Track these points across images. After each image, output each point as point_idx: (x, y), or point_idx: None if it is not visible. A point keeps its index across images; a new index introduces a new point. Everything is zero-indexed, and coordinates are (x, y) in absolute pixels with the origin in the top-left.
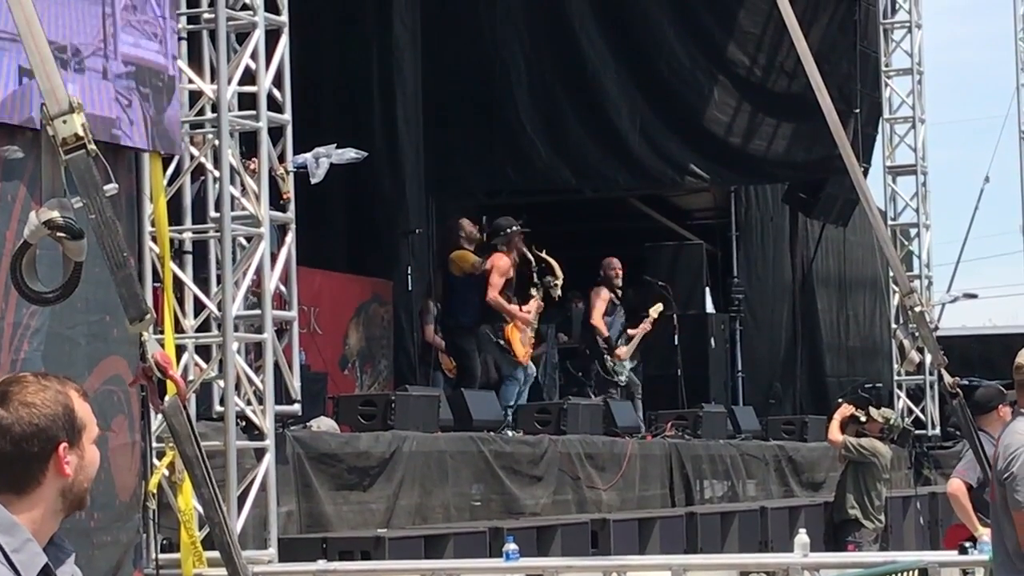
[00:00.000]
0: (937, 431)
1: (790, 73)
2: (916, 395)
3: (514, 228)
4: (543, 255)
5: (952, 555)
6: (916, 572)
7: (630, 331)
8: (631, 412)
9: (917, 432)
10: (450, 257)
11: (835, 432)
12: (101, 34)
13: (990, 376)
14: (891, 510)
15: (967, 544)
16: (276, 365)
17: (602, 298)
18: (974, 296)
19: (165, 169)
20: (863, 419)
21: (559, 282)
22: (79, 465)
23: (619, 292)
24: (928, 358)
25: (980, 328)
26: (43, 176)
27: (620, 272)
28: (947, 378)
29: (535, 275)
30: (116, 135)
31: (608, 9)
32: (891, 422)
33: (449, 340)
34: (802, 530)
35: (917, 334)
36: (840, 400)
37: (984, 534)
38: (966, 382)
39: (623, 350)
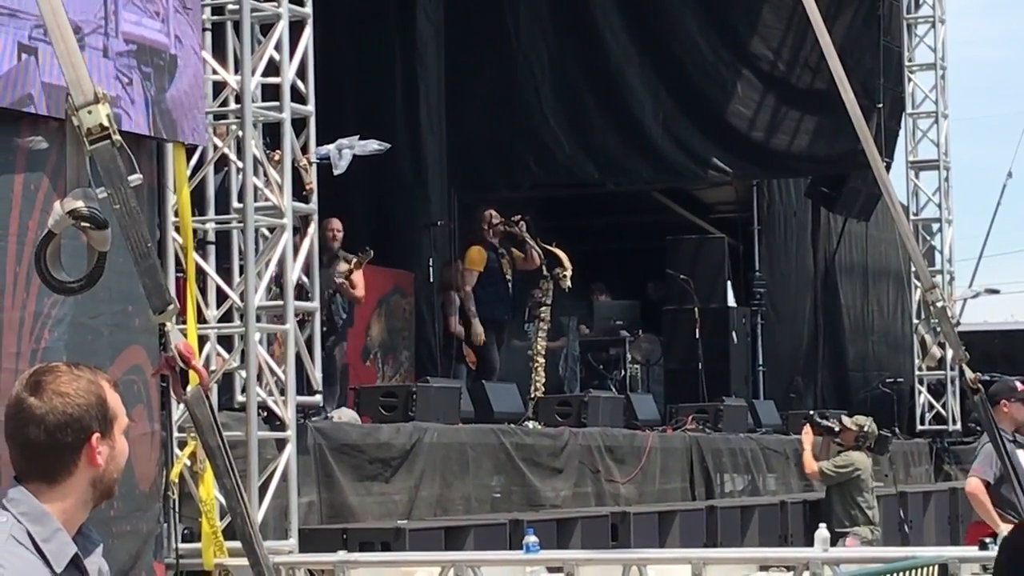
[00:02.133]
0: (958, 427)
1: (813, 68)
2: (937, 391)
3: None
4: (550, 247)
5: (972, 551)
6: (936, 568)
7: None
8: (651, 405)
9: (938, 428)
10: (466, 253)
11: (809, 463)
12: (103, 12)
13: (1011, 371)
14: (911, 505)
15: (988, 540)
16: (298, 356)
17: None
18: (996, 291)
19: (188, 160)
20: (837, 429)
21: (568, 273)
22: (110, 455)
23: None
24: (950, 353)
25: (1002, 323)
26: (67, 166)
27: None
28: (968, 374)
29: (543, 268)
30: (116, 114)
31: (631, 3)
32: (865, 428)
33: (470, 332)
34: (822, 525)
35: (939, 329)
36: (803, 422)
37: (1005, 530)
38: (987, 378)
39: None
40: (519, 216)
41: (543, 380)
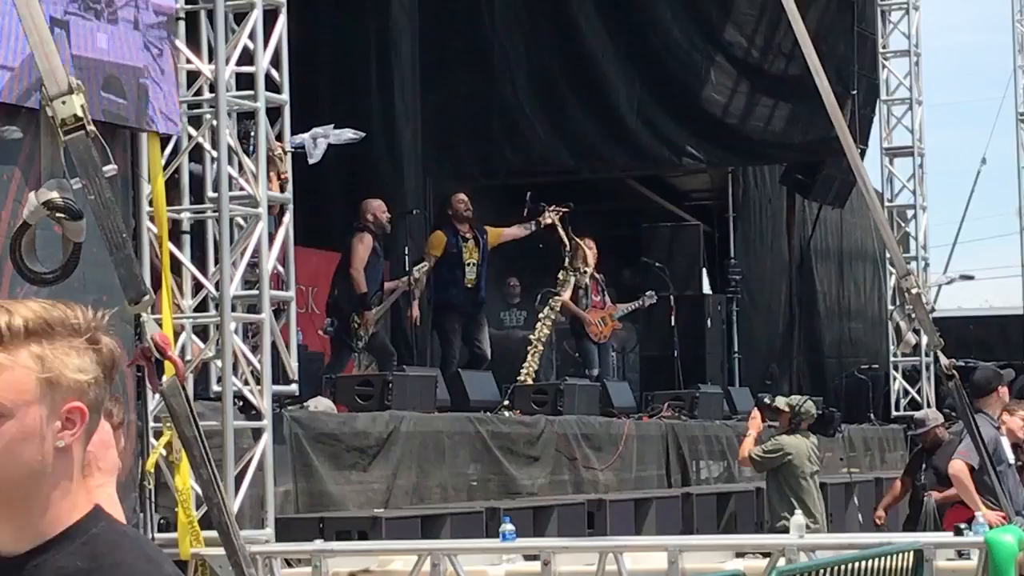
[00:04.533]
0: None
1: (787, 54)
2: (912, 377)
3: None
4: (581, 241)
5: (948, 537)
6: (911, 554)
7: (388, 285)
8: (627, 393)
9: (913, 414)
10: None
11: (742, 449)
12: None
13: (986, 357)
14: (885, 490)
15: (963, 526)
16: (274, 345)
17: (365, 245)
18: (970, 277)
19: (163, 149)
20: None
21: (590, 270)
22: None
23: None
24: (924, 340)
25: (976, 309)
26: (42, 157)
27: (386, 215)
28: (943, 360)
29: (567, 259)
30: (144, 84)
31: None
32: (796, 407)
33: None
34: (798, 511)
35: (913, 315)
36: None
37: (983, 515)
38: (962, 363)
39: (371, 313)
40: (565, 206)
41: (536, 368)
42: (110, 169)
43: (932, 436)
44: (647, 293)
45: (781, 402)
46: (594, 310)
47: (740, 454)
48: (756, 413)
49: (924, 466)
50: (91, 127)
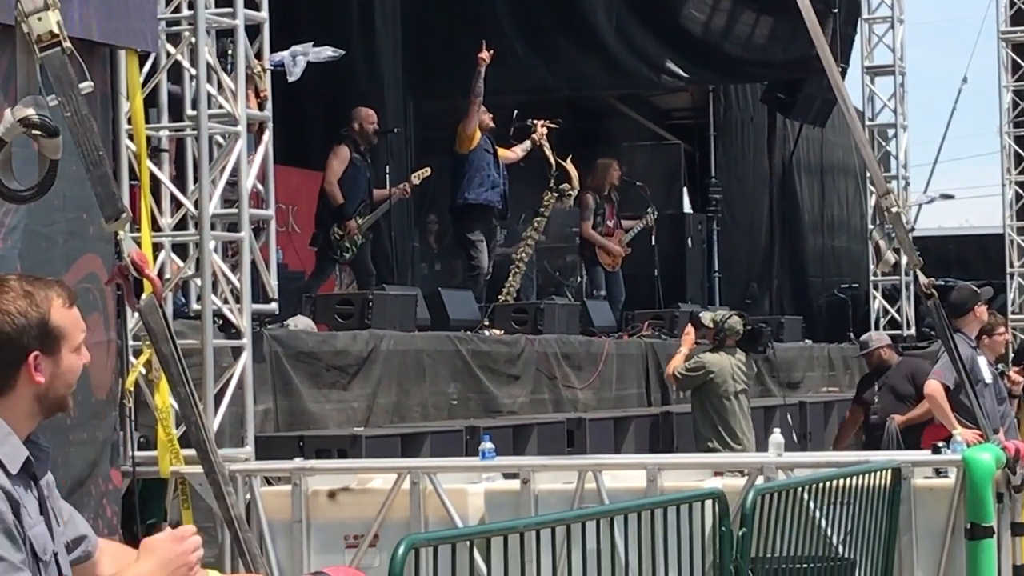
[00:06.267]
0: (912, 332)
1: None
2: (892, 296)
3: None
4: (564, 162)
5: (926, 455)
6: (889, 472)
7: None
8: (607, 312)
9: (892, 333)
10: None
11: (669, 365)
12: None
13: (966, 276)
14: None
15: (940, 444)
16: (253, 264)
17: (340, 158)
18: (951, 197)
19: (141, 67)
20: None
21: (575, 193)
22: (54, 373)
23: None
24: (904, 259)
25: (956, 229)
26: (17, 74)
27: (374, 126)
28: (922, 279)
29: (552, 180)
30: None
31: None
32: (720, 322)
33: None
34: (776, 430)
35: (893, 235)
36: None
37: (959, 434)
38: (941, 283)
39: (353, 222)
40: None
41: (517, 287)
42: (86, 86)
43: (876, 358)
44: (648, 209)
45: (706, 317)
46: (608, 237)
47: (666, 371)
48: (690, 329)
49: (877, 388)
50: (67, 44)
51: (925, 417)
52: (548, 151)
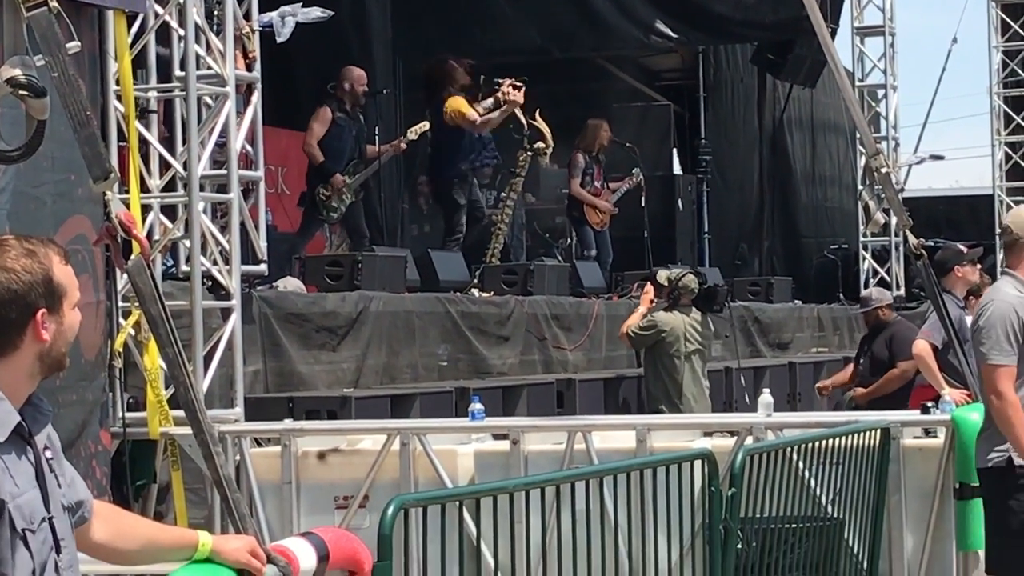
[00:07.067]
0: (902, 292)
1: None
2: (882, 256)
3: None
4: (535, 121)
5: (915, 415)
6: (879, 431)
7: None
8: (597, 273)
9: None
10: (445, 104)
11: (624, 324)
12: None
13: (955, 237)
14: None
15: (929, 404)
16: (242, 225)
17: (321, 120)
18: (940, 158)
19: (129, 27)
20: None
21: (550, 150)
22: (57, 331)
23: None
24: (894, 220)
25: (946, 190)
26: (4, 34)
27: (363, 87)
28: (912, 239)
29: (525, 140)
30: None
31: None
32: (674, 280)
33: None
34: (766, 390)
35: (883, 195)
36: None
37: (948, 394)
38: (931, 243)
39: (339, 179)
40: (521, 80)
41: (500, 248)
42: (73, 46)
43: (874, 316)
44: (633, 171)
45: (662, 276)
46: (595, 198)
47: (620, 330)
48: (648, 288)
49: (865, 353)
50: (54, 3)
51: (883, 391)
52: (519, 112)
